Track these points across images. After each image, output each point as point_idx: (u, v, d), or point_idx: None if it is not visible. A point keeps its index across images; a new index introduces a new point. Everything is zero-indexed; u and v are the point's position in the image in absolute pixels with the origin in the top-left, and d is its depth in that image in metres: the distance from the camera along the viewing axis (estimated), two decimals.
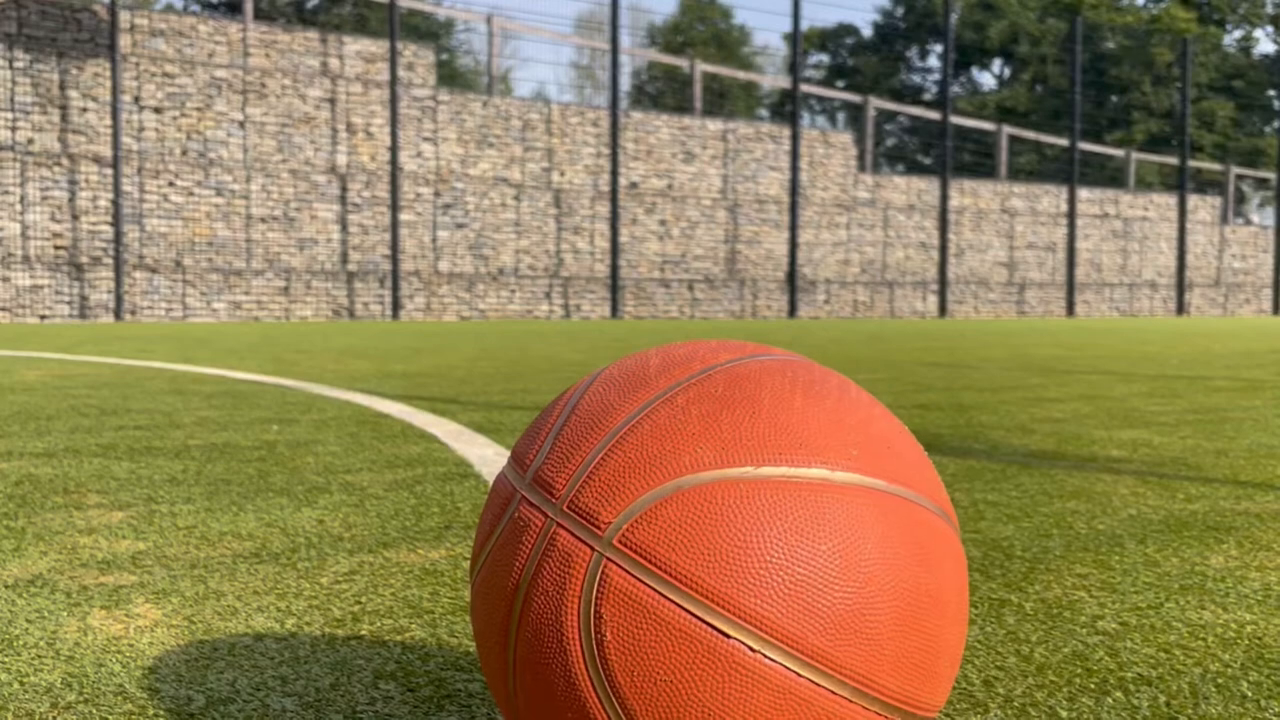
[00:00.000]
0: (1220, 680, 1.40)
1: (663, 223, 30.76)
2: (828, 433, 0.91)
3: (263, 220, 25.21)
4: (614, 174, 29.21)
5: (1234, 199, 49.20)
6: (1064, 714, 1.28)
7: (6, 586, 1.80)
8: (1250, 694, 1.35)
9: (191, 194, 24.44)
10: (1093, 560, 2.02)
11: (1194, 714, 1.29)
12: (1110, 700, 1.33)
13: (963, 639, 0.96)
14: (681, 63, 38.90)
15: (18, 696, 1.32)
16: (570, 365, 7.78)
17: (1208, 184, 48.35)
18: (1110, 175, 45.74)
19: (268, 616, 1.63)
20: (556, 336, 13.79)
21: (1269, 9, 56.57)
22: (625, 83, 52.95)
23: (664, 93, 49.08)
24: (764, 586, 0.84)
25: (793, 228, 31.96)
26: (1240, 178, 52.60)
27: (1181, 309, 40.47)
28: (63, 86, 23.31)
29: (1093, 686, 1.37)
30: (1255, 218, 60.45)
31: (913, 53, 60.89)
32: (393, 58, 26.47)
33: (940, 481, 0.99)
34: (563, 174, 29.49)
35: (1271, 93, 56.31)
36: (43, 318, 22.59)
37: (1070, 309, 37.78)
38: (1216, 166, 48.71)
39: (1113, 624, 1.62)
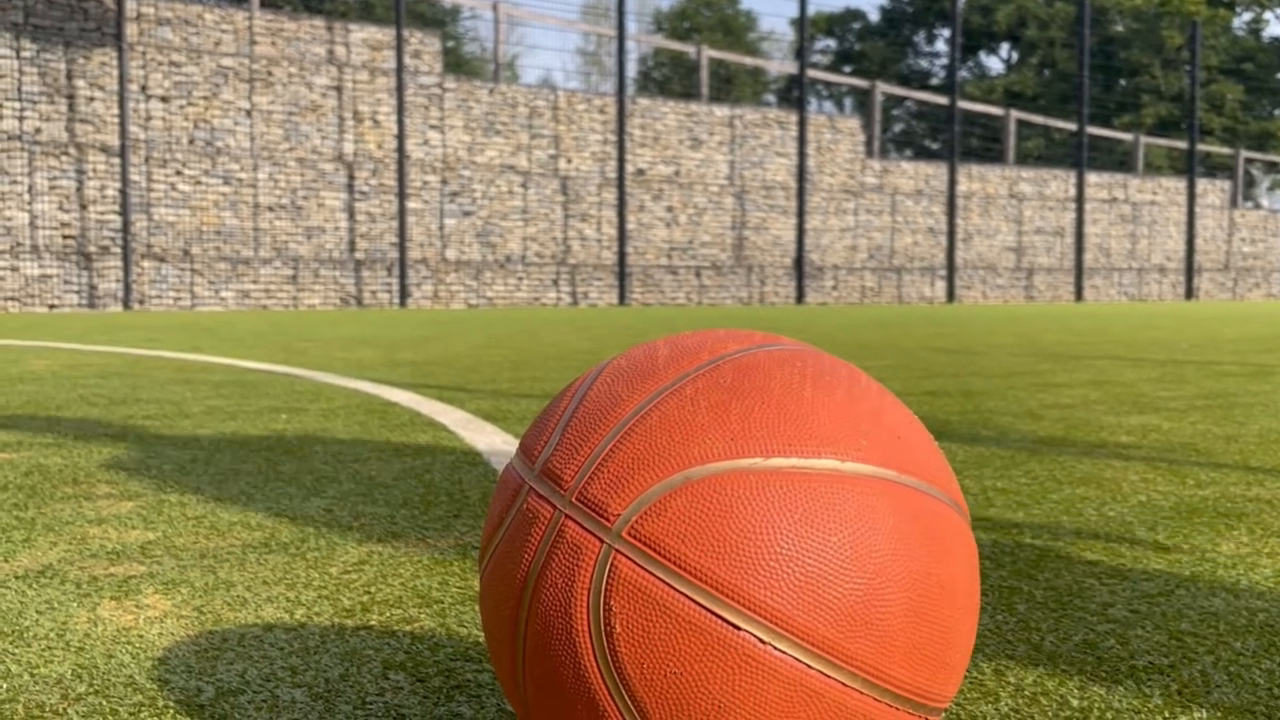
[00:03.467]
0: (1232, 668, 1.39)
1: (670, 209, 30.73)
2: (838, 423, 0.91)
3: (270, 209, 25.22)
4: (621, 161, 29.16)
5: (1243, 183, 49.02)
6: (1075, 702, 1.28)
7: (17, 577, 1.80)
8: (1263, 682, 1.35)
9: (199, 183, 24.45)
10: (1103, 547, 2.01)
11: (1206, 702, 1.28)
12: (1122, 689, 1.32)
13: (974, 630, 0.96)
14: (688, 49, 38.80)
15: (28, 688, 1.32)
16: (578, 353, 7.78)
17: (1217, 168, 48.15)
18: (1119, 159, 45.56)
19: (277, 607, 1.63)
20: (564, 324, 13.79)
21: None
22: (631, 69, 52.81)
23: (670, 79, 48.98)
24: (774, 578, 0.84)
25: (800, 214, 31.90)
26: (1250, 161, 52.39)
27: (1190, 293, 40.34)
28: (70, 76, 23.32)
29: (1104, 675, 1.37)
30: (1265, 201, 60.21)
31: (920, 37, 60.67)
32: (399, 45, 26.43)
33: (951, 471, 0.99)
34: (569, 161, 29.45)
35: None
36: (51, 307, 22.64)
37: (1079, 294, 37.69)
38: (1226, 150, 48.50)
39: (1123, 611, 1.62)
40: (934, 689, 0.91)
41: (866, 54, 57.09)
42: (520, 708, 0.96)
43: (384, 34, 27.22)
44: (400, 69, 26.42)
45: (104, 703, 1.27)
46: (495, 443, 3.31)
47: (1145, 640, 1.49)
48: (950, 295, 34.62)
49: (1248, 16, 57.38)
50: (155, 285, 23.70)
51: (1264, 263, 43.87)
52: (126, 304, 23.30)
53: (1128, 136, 45.26)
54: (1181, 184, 41.53)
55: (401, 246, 26.31)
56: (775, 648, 0.83)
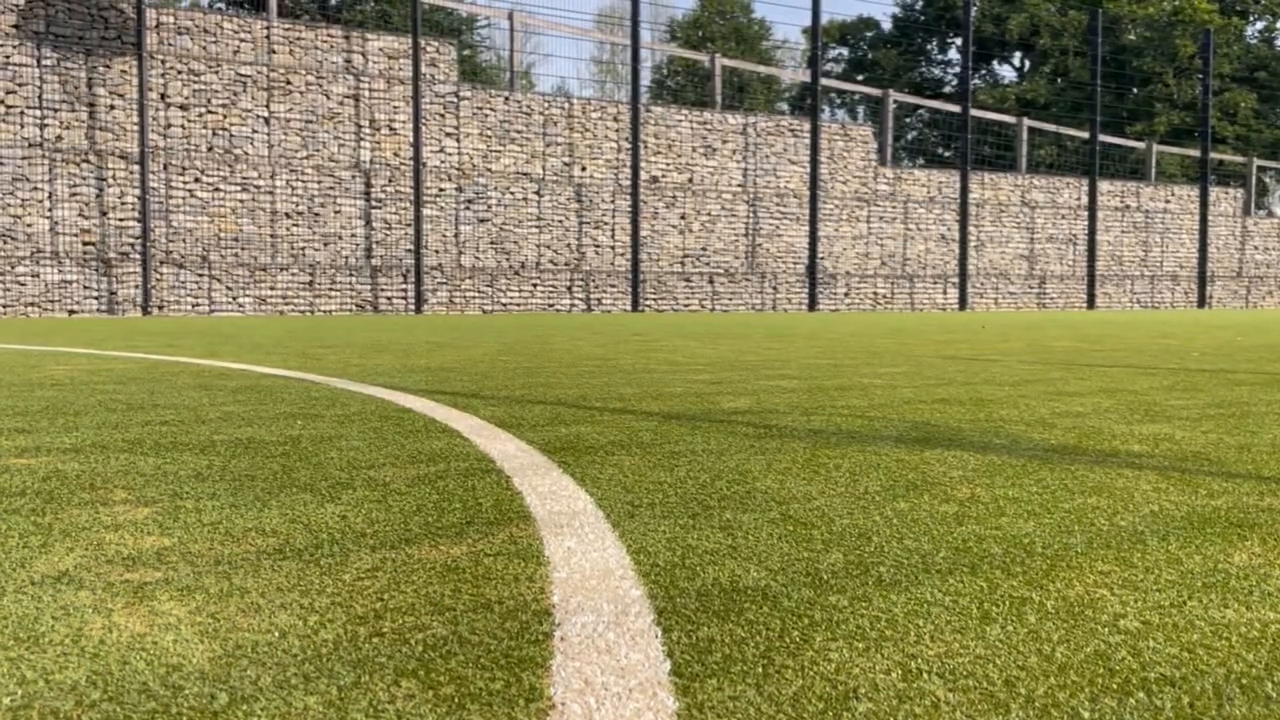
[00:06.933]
0: (1245, 681, 1.39)
1: (683, 216, 30.73)
2: None
3: (287, 215, 25.31)
4: (635, 168, 29.18)
5: (1256, 191, 48.81)
6: (1086, 715, 1.28)
7: (33, 583, 1.81)
8: (1275, 695, 1.34)
9: (217, 190, 24.56)
10: (1114, 558, 2.01)
11: (1218, 715, 1.28)
12: (1133, 701, 1.32)
13: None
14: (702, 57, 38.83)
15: (43, 694, 1.33)
16: (592, 359, 7.78)
17: (1230, 176, 47.96)
18: (1131, 167, 45.42)
19: (291, 613, 1.64)
20: (578, 330, 13.79)
21: None
22: (646, 77, 52.86)
23: (684, 87, 49.01)
24: None
25: (813, 221, 31.87)
26: (1262, 169, 52.16)
27: (1203, 301, 40.17)
28: (90, 84, 23.46)
29: (1115, 687, 1.36)
30: (1277, 209, 59.93)
31: (932, 46, 60.59)
32: (415, 54, 26.51)
33: None
34: (584, 168, 29.49)
35: None
36: (71, 312, 22.75)
37: (1091, 301, 37.57)
38: (1239, 158, 48.31)
39: (1135, 623, 1.61)
40: None
41: (879, 62, 57.05)
42: None
43: (401, 43, 27.32)
44: (417, 77, 26.50)
45: (118, 709, 1.28)
46: (509, 449, 3.32)
47: (1157, 652, 1.49)
48: (962, 302, 34.54)
49: (1260, 25, 57.19)
50: (174, 291, 23.80)
51: (1277, 271, 43.66)
52: (145, 309, 23.41)
53: (1140, 144, 45.12)
54: (1194, 192, 41.37)
55: (417, 253, 26.38)
56: None
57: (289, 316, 23.59)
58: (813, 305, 31.81)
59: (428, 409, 4.48)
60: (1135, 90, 51.60)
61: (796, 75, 50.87)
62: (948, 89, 57.07)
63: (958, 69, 56.40)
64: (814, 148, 31.87)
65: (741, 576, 1.86)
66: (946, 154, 49.47)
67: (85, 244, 23.14)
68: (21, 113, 22.77)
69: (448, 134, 27.55)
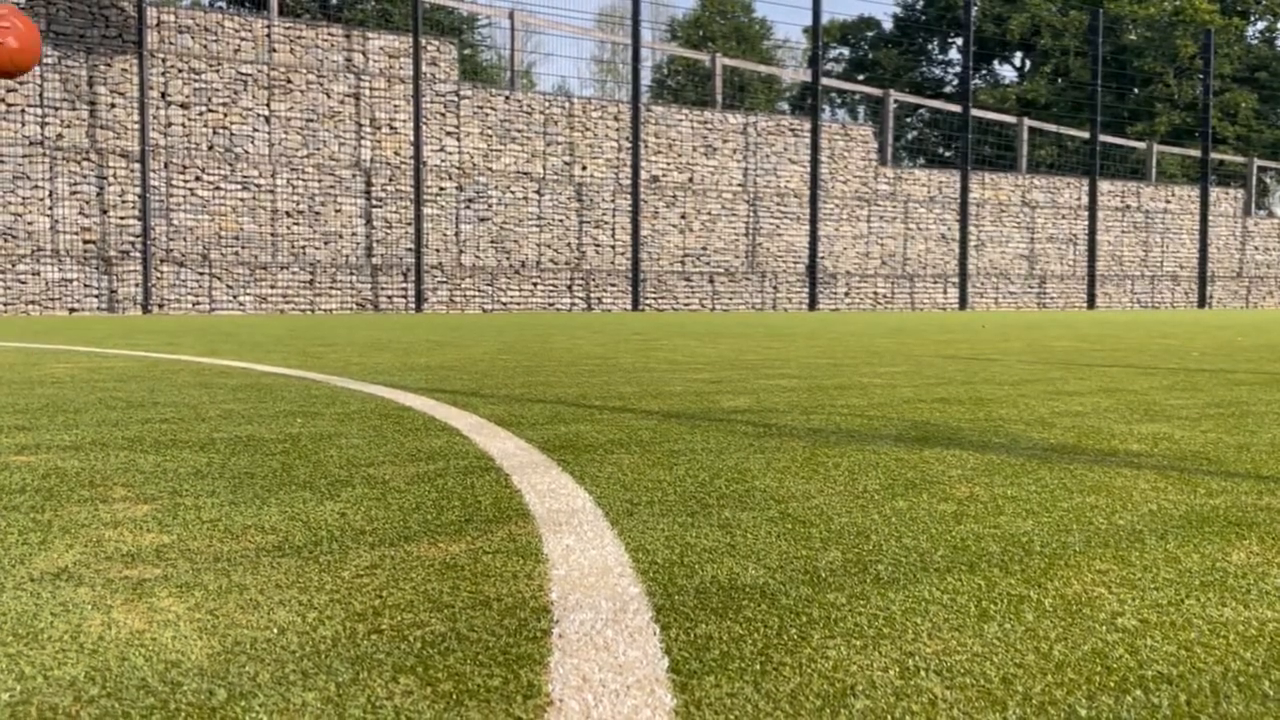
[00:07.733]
0: (1242, 679, 1.39)
1: (684, 216, 30.73)
2: None
3: (288, 214, 25.31)
4: (635, 168, 29.18)
5: (1256, 191, 48.79)
6: (1083, 712, 1.28)
7: (32, 580, 1.81)
8: (1272, 693, 1.35)
9: (218, 189, 24.56)
10: (1112, 556, 2.01)
11: (1215, 713, 1.28)
12: (1130, 699, 1.32)
13: None
14: (702, 57, 38.82)
15: (41, 690, 1.33)
16: (591, 358, 7.78)
17: (1230, 176, 47.94)
18: (1132, 167, 45.41)
19: (290, 610, 1.64)
20: (578, 329, 13.79)
21: None
22: (646, 77, 52.83)
23: (685, 86, 49.00)
24: None
25: (813, 220, 31.87)
26: (1263, 170, 52.15)
27: (1203, 301, 40.17)
28: (91, 82, 23.46)
29: (1112, 684, 1.37)
30: (1278, 210, 59.91)
31: (933, 46, 60.59)
32: (416, 53, 26.51)
33: None
34: (584, 168, 29.49)
35: None
36: (72, 310, 22.76)
37: (1091, 301, 37.57)
38: (1239, 159, 48.29)
39: (1133, 621, 1.62)
40: None
41: (880, 62, 57.05)
42: None
43: (401, 42, 27.32)
44: (417, 76, 26.50)
45: (116, 705, 1.28)
46: (508, 448, 3.32)
47: (1155, 650, 1.49)
48: (963, 302, 34.54)
49: (1261, 25, 57.19)
50: (174, 289, 23.80)
51: (1277, 271, 43.67)
52: (145, 308, 23.41)
53: (1141, 145, 45.11)
54: (1194, 192, 41.38)
55: (417, 252, 26.38)
56: None
57: (289, 315, 23.58)
58: (813, 305, 31.81)
59: (427, 407, 4.48)
60: (1136, 90, 51.59)
61: (797, 75, 50.87)
62: (948, 89, 57.07)
63: (958, 69, 56.42)
64: (814, 147, 31.86)
65: (740, 574, 1.86)
66: (947, 154, 49.45)
67: (86, 242, 23.14)
68: (22, 111, 22.77)
69: (448, 133, 27.55)
